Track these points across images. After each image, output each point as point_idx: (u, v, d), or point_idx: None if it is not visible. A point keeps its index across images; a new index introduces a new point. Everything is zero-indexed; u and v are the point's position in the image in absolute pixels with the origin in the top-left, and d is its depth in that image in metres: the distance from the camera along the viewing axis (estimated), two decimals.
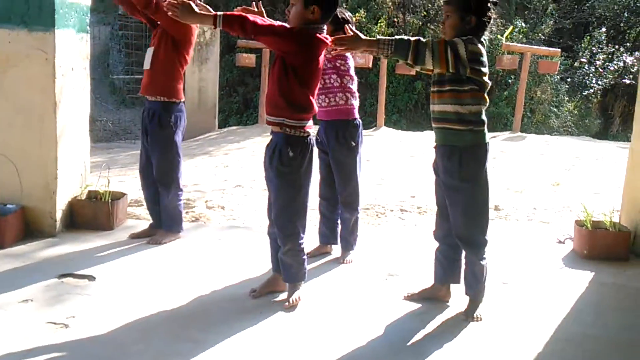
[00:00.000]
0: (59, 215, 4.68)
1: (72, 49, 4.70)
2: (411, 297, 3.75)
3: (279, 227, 3.57)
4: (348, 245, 4.48)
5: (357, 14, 12.94)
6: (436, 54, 3.20)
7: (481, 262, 3.51)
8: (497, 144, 9.57)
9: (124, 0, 4.45)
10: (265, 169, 3.59)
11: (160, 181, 4.64)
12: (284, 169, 3.47)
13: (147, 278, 3.98)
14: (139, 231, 4.82)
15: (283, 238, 3.58)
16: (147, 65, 4.51)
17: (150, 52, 4.50)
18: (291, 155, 3.45)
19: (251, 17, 3.31)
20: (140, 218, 5.33)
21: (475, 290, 3.57)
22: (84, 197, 4.97)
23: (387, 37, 3.28)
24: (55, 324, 3.27)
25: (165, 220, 4.72)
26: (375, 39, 3.29)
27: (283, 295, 3.71)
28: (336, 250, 4.56)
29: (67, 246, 4.47)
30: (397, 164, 8.07)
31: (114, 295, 3.69)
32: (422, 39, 3.25)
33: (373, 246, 4.77)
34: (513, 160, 8.26)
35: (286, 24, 3.42)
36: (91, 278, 3.91)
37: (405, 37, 3.25)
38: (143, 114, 4.67)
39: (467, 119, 3.34)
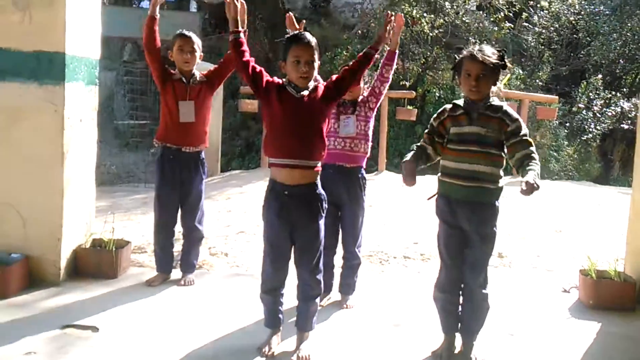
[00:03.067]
0: (63, 264, 4.68)
1: (81, 101, 4.77)
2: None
3: (318, 275, 3.63)
4: (350, 289, 4.52)
5: None
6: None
7: (488, 304, 3.59)
8: None
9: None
10: (302, 224, 3.55)
11: (198, 224, 4.91)
12: (321, 215, 3.60)
13: (151, 329, 3.96)
14: (152, 278, 4.88)
15: (318, 284, 3.66)
16: (190, 118, 4.69)
17: (190, 105, 4.69)
18: (325, 200, 3.62)
19: None
20: (143, 265, 5.32)
21: (477, 332, 3.63)
22: (88, 245, 4.98)
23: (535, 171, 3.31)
24: None
25: (194, 261, 4.99)
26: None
27: (284, 346, 3.70)
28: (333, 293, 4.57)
29: (71, 295, 4.46)
30: (399, 209, 8.07)
31: (117, 346, 3.67)
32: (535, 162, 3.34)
33: (377, 294, 4.76)
34: (514, 206, 8.26)
35: None
36: (94, 329, 3.89)
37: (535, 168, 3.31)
38: (172, 166, 4.74)
39: (498, 179, 3.48)
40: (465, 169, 3.43)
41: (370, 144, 4.46)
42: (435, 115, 3.62)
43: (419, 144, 3.59)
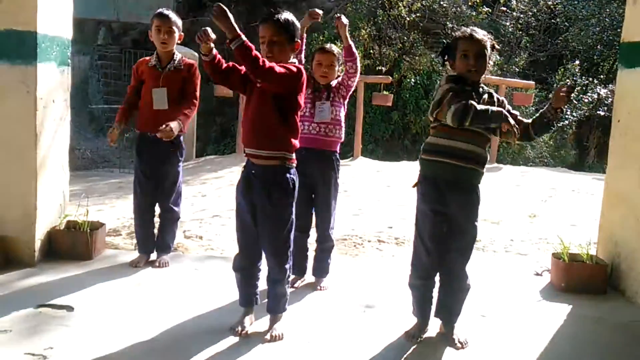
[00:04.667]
0: (37, 245, 4.65)
1: (53, 82, 4.72)
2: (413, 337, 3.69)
3: (280, 259, 3.56)
4: (323, 272, 4.54)
5: (334, 44, 13.07)
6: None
7: (469, 284, 3.64)
8: None
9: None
10: (261, 206, 3.48)
11: (173, 206, 4.91)
12: (286, 201, 3.49)
13: (125, 309, 3.95)
14: (135, 259, 4.86)
15: (282, 268, 3.58)
16: (163, 105, 4.66)
17: (163, 92, 4.65)
18: (291, 186, 3.49)
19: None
20: (118, 247, 5.31)
21: (459, 314, 3.67)
22: (62, 227, 4.94)
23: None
24: (33, 355, 3.24)
25: (169, 243, 4.97)
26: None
27: (258, 326, 3.71)
28: (307, 276, 4.59)
29: (46, 276, 4.43)
30: (374, 194, 8.11)
31: (92, 326, 3.66)
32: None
33: (351, 277, 4.79)
34: (490, 192, 8.33)
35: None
36: (69, 308, 3.88)
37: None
38: (148, 149, 4.76)
39: (486, 162, 3.50)
40: (463, 148, 3.40)
41: (343, 129, 4.48)
42: (447, 85, 3.39)
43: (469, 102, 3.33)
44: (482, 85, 3.51)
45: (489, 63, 3.48)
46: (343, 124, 4.47)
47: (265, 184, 3.46)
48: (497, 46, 3.52)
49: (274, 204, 3.46)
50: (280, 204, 3.48)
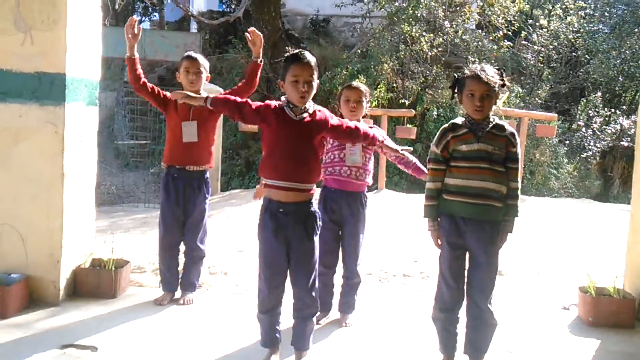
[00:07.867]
0: (62, 284, 4.68)
1: (81, 122, 4.80)
2: None
3: (314, 292, 3.63)
4: (349, 308, 4.51)
5: (357, 79, 13.15)
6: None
7: (496, 321, 3.61)
8: None
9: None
10: (299, 241, 3.55)
11: (200, 244, 4.95)
12: (316, 232, 3.61)
13: (149, 348, 3.95)
14: (160, 297, 4.88)
15: (314, 303, 3.66)
16: (193, 138, 4.72)
17: (193, 126, 4.72)
18: (319, 217, 3.63)
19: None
20: (142, 285, 5.32)
21: (486, 351, 3.63)
22: (87, 265, 4.97)
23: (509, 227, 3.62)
24: None
25: (194, 281, 4.99)
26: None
27: None
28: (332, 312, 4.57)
29: (70, 315, 4.45)
30: (399, 228, 8.08)
31: None
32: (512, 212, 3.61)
33: (376, 313, 4.76)
34: (515, 224, 8.23)
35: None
36: (93, 349, 3.89)
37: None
38: (175, 185, 4.79)
39: (503, 197, 3.53)
40: (474, 186, 3.44)
41: (371, 175, 4.48)
42: (435, 141, 3.57)
43: (432, 190, 3.60)
44: (492, 118, 3.52)
45: (497, 100, 3.52)
46: (371, 171, 4.47)
47: (299, 220, 3.53)
48: (507, 83, 3.54)
49: (310, 238, 3.56)
50: (313, 237, 3.58)
